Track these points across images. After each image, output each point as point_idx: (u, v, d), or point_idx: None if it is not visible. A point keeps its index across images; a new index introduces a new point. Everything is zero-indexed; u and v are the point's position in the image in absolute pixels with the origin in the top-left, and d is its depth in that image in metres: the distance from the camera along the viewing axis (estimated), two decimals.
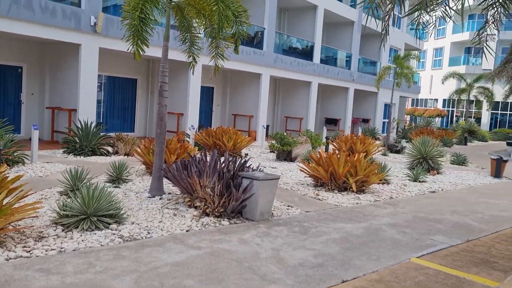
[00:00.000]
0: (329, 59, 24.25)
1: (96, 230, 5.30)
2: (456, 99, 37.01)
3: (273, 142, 13.66)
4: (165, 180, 7.55)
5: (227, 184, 6.38)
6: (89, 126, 11.55)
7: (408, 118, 42.19)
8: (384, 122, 28.13)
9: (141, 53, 6.90)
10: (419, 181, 10.90)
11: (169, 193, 7.50)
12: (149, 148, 9.05)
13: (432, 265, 4.98)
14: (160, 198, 7.14)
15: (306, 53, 22.00)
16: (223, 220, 6.17)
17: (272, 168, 11.49)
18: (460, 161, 15.15)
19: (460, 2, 6.74)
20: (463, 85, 36.02)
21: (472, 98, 36.13)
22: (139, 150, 9.41)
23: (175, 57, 11.45)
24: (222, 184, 6.32)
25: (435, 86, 42.81)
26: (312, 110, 22.32)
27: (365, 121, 27.46)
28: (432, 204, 8.42)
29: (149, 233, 5.42)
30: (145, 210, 6.43)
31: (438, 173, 12.58)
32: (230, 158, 6.94)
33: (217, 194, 6.25)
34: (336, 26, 25.12)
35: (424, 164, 12.69)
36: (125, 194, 7.33)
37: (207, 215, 6.29)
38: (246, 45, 17.29)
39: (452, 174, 12.78)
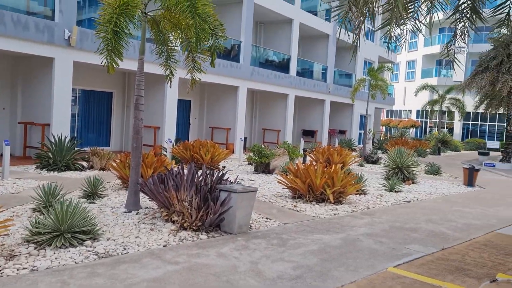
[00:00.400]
0: (305, 72, 24.58)
1: (70, 247, 5.17)
2: (429, 110, 37.94)
3: (251, 154, 13.67)
4: (141, 195, 7.44)
5: (205, 197, 6.34)
6: (63, 140, 11.32)
7: (383, 129, 42.97)
8: (360, 133, 28.54)
9: (116, 66, 6.85)
10: (395, 191, 11.07)
11: (146, 208, 7.40)
12: (125, 162, 8.92)
13: (409, 274, 5.04)
14: (137, 213, 7.03)
15: (283, 66, 22.24)
16: (201, 234, 6.11)
17: (250, 180, 11.48)
18: (434, 170, 15.48)
19: (430, 16, 6.98)
20: (435, 97, 37.05)
21: (444, 109, 37.12)
22: (115, 164, 9.27)
23: (151, 70, 11.40)
24: (199, 198, 6.27)
25: (408, 97, 43.79)
26: (289, 122, 22.49)
27: (342, 132, 27.82)
28: (407, 214, 8.55)
29: (125, 249, 5.32)
30: (121, 225, 6.32)
31: (413, 183, 12.82)
32: (208, 171, 6.91)
33: (194, 208, 6.20)
34: (312, 39, 25.52)
35: (400, 174, 12.91)
36: (101, 209, 7.19)
37: (185, 229, 6.23)
38: (223, 58, 17.37)
39: (427, 184, 13.04)
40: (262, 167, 13.05)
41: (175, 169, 7.06)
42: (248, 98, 21.45)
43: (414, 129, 41.36)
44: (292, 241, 6.11)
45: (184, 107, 19.33)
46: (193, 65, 7.36)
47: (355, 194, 10.04)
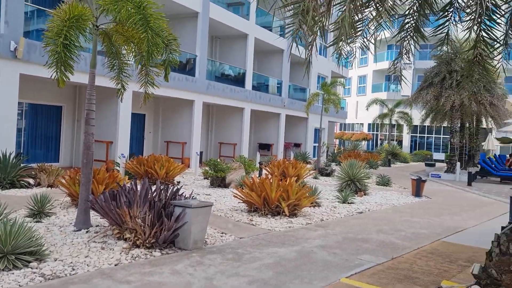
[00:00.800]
0: (261, 86, 24.89)
1: (14, 269, 4.91)
2: (380, 123, 39.38)
3: (207, 168, 13.60)
4: (92, 212, 7.20)
5: (159, 213, 6.23)
6: (7, 157, 10.78)
7: (337, 142, 44.05)
8: (315, 146, 29.12)
9: (66, 80, 6.65)
10: (348, 203, 11.35)
11: (97, 226, 7.16)
12: (75, 179, 8.61)
13: (360, 284, 5.17)
14: (87, 232, 6.79)
15: (239, 80, 22.42)
16: (155, 251, 5.98)
17: (206, 195, 11.40)
18: (384, 182, 16.03)
19: (379, 34, 7.30)
20: (385, 110, 38.56)
21: (393, 122, 38.67)
22: (63, 181, 8.93)
23: (104, 84, 11.13)
24: (153, 214, 6.16)
25: (360, 111, 45.28)
26: (245, 135, 22.60)
27: (297, 145, 28.27)
28: (360, 225, 8.79)
29: (74, 269, 5.11)
30: (70, 245, 6.07)
31: (365, 194, 13.21)
32: (162, 187, 6.81)
33: (148, 225, 6.08)
34: (267, 54, 25.92)
35: (352, 186, 13.27)
36: (48, 228, 6.89)
37: (138, 246, 6.08)
38: (178, 72, 17.27)
39: (378, 195, 13.47)
40: (218, 181, 13.00)
41: (128, 185, 6.90)
42: (204, 112, 21.39)
43: (366, 141, 42.71)
44: (248, 255, 6.11)
45: (138, 121, 18.98)
46: (146, 79, 7.28)
47: (310, 206, 10.20)
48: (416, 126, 38.71)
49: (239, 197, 9.56)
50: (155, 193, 6.59)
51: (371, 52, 6.75)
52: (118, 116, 15.23)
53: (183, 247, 6.21)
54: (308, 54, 5.73)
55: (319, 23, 5.58)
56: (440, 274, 5.74)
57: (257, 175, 13.64)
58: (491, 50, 6.59)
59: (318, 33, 5.67)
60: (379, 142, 43.95)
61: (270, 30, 24.54)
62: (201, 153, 19.95)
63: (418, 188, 13.50)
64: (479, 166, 20.90)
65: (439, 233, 8.33)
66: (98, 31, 7.21)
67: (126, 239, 6.22)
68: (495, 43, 6.56)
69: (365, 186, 13.60)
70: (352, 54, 7.07)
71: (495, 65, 7.14)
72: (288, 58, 25.78)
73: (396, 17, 6.69)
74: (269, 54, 26.01)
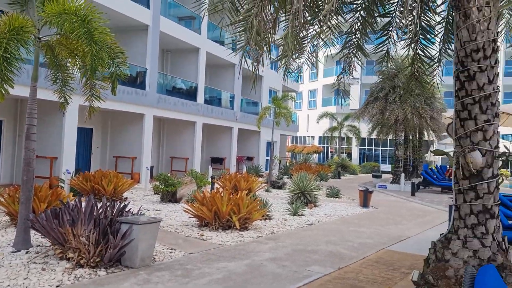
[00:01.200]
0: (213, 100, 24.89)
1: None
2: (330, 136, 40.45)
3: (157, 183, 13.35)
4: (34, 232, 6.86)
5: (104, 231, 6.05)
6: None
7: (289, 155, 44.71)
8: (267, 160, 29.40)
9: (6, 94, 6.36)
10: (299, 215, 11.52)
11: (38, 246, 6.82)
12: (14, 197, 8.18)
13: None
14: (27, 252, 6.45)
15: (190, 94, 22.32)
16: (100, 271, 5.78)
17: (156, 210, 11.18)
18: (334, 193, 16.43)
19: (325, 50, 7.57)
20: (334, 124, 39.67)
21: (343, 135, 39.84)
22: (2, 199, 8.45)
23: (47, 97, 10.68)
24: (98, 232, 5.97)
25: (311, 124, 46.34)
26: (197, 149, 22.44)
27: (250, 159, 28.41)
28: (309, 236, 8.94)
29: None
30: (8, 267, 5.75)
31: (315, 206, 13.47)
32: (109, 203, 6.62)
33: (92, 243, 5.87)
34: (219, 68, 26.04)
35: (303, 198, 13.49)
36: None
37: (82, 266, 5.85)
38: (128, 85, 16.94)
39: (328, 206, 13.78)
40: (169, 196, 12.80)
41: (72, 202, 6.65)
42: (155, 126, 21.06)
43: (317, 154, 43.66)
44: (197, 271, 6.04)
45: (85, 135, 18.36)
46: (91, 92, 7.10)
47: (261, 219, 10.25)
48: (364, 138, 40.06)
49: (189, 212, 9.45)
50: (100, 210, 6.40)
51: (316, 68, 6.98)
52: (63, 131, 14.67)
53: (130, 265, 6.04)
54: (255, 69, 5.85)
55: (266, 39, 5.72)
56: (384, 282, 5.95)
57: (209, 189, 13.55)
58: (426, 67, 7.01)
59: (265, 49, 5.81)
60: (329, 154, 45.07)
61: (222, 45, 24.70)
62: (152, 167, 19.57)
63: (365, 199, 13.95)
64: (422, 176, 21.92)
65: (384, 242, 8.64)
66: (40, 43, 6.97)
67: (69, 259, 5.97)
68: (430, 61, 7.00)
69: (315, 198, 13.87)
70: (298, 69, 7.26)
71: (431, 81, 7.61)
72: (239, 72, 26.06)
73: (340, 34, 6.97)
74: (222, 68, 26.13)
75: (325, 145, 45.61)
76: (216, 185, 15.52)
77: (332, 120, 40.33)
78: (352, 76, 7.86)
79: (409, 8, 6.97)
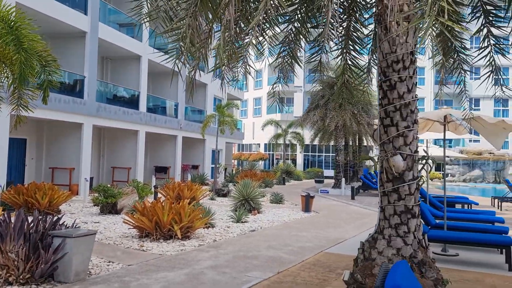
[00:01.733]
0: (156, 108, 24.50)
1: None
2: (275, 143, 41.10)
3: (97, 195, 12.94)
4: None
5: (35, 245, 5.80)
6: None
7: (235, 162, 44.86)
8: (212, 168, 29.32)
9: None
10: (242, 222, 11.62)
11: None
12: None
13: None
14: None
15: (132, 102, 21.85)
16: (30, 287, 5.53)
17: (95, 222, 10.83)
18: (278, 199, 16.72)
19: (247, 64, 7.75)
20: (279, 131, 40.38)
21: (287, 142, 40.63)
22: None
23: None
24: (28, 247, 5.71)
25: (257, 132, 46.81)
26: (140, 159, 21.96)
27: (195, 167, 28.21)
28: (251, 243, 9.05)
29: None
30: None
31: (259, 213, 13.64)
32: (40, 217, 6.35)
33: (22, 259, 5.61)
34: (163, 76, 25.68)
35: (247, 205, 13.62)
36: None
37: (11, 284, 5.57)
38: (64, 94, 16.33)
39: (271, 212, 14.00)
40: (109, 207, 12.44)
41: (1, 217, 6.32)
42: (95, 135, 20.40)
43: (263, 161, 44.14)
44: (135, 283, 5.95)
45: (18, 146, 17.41)
46: (18, 102, 6.81)
47: (204, 228, 10.25)
48: (308, 145, 41.08)
49: (129, 223, 9.26)
50: (32, 224, 6.13)
51: (253, 77, 7.15)
52: None
53: (64, 280, 5.83)
54: (192, 78, 5.90)
55: (201, 49, 5.80)
56: (320, 283, 6.16)
57: (153, 199, 13.32)
58: (356, 76, 7.40)
59: (201, 58, 5.88)
60: (275, 161, 45.72)
61: (166, 53, 24.41)
62: (91, 179, 18.90)
63: (307, 204, 14.32)
64: (361, 181, 22.84)
65: (323, 245, 8.93)
66: None
67: None
68: (360, 70, 7.40)
69: (259, 205, 14.05)
70: (235, 79, 7.40)
71: (362, 89, 8.03)
72: (184, 79, 25.90)
73: (274, 45, 7.18)
74: (165, 76, 25.77)
75: (271, 152, 46.23)
76: (159, 195, 15.30)
77: (277, 127, 41.03)
78: (292, 84, 8.14)
79: (340, 20, 7.35)
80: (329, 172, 39.06)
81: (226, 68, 6.13)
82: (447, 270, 6.81)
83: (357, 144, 28.37)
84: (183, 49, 5.26)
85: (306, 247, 8.75)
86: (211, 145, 28.67)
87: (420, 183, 5.14)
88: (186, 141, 27.10)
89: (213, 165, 29.14)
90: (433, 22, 3.40)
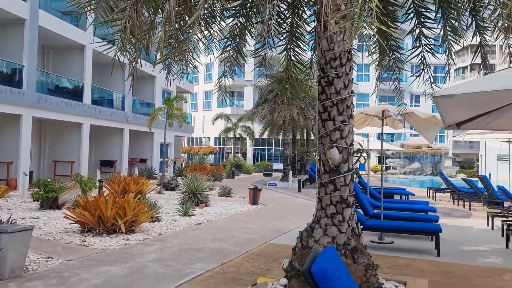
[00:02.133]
0: (102, 100, 23.77)
1: None
2: (225, 137, 41.14)
3: (36, 189, 12.42)
4: None
5: None
6: None
7: (185, 156, 44.46)
8: (161, 161, 28.92)
9: None
10: (189, 215, 11.62)
11: None
12: None
13: None
14: None
15: (76, 94, 21.06)
16: None
17: (34, 218, 10.42)
18: (226, 193, 16.83)
19: (210, 53, 7.78)
20: (229, 125, 40.46)
21: (237, 135, 40.80)
22: None
23: None
24: None
25: (207, 125, 46.62)
26: (84, 153, 21.25)
27: (143, 161, 27.70)
28: (197, 235, 9.10)
29: None
30: None
31: (206, 206, 13.68)
32: None
33: None
34: (108, 66, 24.87)
35: (194, 199, 13.62)
36: None
37: None
38: (0, 84, 15.46)
39: (219, 206, 14.09)
40: (50, 202, 11.99)
41: None
42: (35, 127, 19.52)
43: (213, 155, 44.08)
44: (75, 278, 5.83)
45: None
46: None
47: (149, 222, 10.15)
48: (258, 139, 41.51)
49: (70, 218, 9.00)
50: None
51: (198, 70, 7.17)
52: None
53: None
54: (132, 70, 5.84)
55: (143, 41, 5.75)
56: (262, 273, 6.33)
57: (97, 194, 12.98)
58: (299, 72, 7.62)
59: (143, 50, 5.83)
60: (225, 155, 45.80)
61: (111, 43, 23.69)
62: (31, 173, 18.09)
63: (254, 196, 14.53)
64: (308, 174, 23.45)
65: (268, 236, 9.15)
66: None
67: None
68: (303, 66, 7.62)
69: (207, 198, 14.08)
70: (180, 72, 7.39)
71: (306, 84, 8.27)
72: (129, 72, 25.25)
73: (220, 39, 7.23)
74: (110, 67, 25.04)
75: (221, 146, 46.24)
76: (104, 189, 14.92)
77: (227, 121, 41.08)
78: (242, 78, 8.23)
79: (284, 17, 7.52)
80: (279, 166, 39.69)
81: (172, 61, 6.10)
82: (382, 257, 7.23)
83: (305, 138, 29.03)
84: (124, 40, 5.20)
85: (252, 238, 8.92)
86: (159, 138, 28.25)
87: (355, 175, 5.41)
88: (133, 134, 26.52)
89: (162, 159, 28.81)
90: (363, 23, 3.60)
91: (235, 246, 8.12)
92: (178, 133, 31.54)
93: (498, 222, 10.44)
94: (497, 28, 5.46)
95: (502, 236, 9.18)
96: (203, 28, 6.84)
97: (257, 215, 12.34)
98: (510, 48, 5.84)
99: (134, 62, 5.66)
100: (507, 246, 8.40)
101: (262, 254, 7.53)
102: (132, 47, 5.67)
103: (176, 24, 6.14)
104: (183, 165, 33.74)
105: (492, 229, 10.43)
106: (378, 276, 4.92)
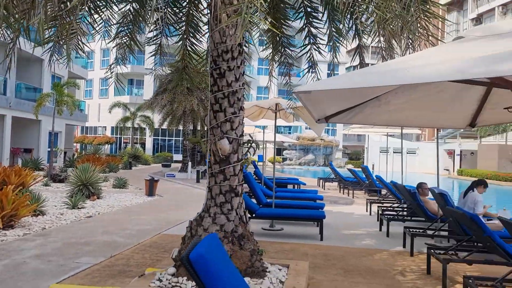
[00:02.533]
0: None
1: None
2: (123, 126, 39.48)
3: None
4: None
5: None
6: None
7: (78, 146, 41.79)
8: (49, 152, 26.85)
9: None
10: (78, 208, 11.01)
11: None
12: None
13: (72, 286, 5.16)
14: None
15: None
16: None
17: None
18: (121, 184, 16.23)
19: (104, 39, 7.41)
20: (128, 114, 38.90)
21: (136, 125, 39.40)
22: None
23: None
24: None
25: (103, 114, 44.25)
26: None
27: (28, 151, 25.45)
28: (86, 229, 8.68)
29: None
30: None
31: (98, 198, 13.07)
32: None
33: None
34: None
35: (85, 191, 12.92)
36: None
37: None
38: None
39: (112, 197, 13.55)
40: None
41: None
42: None
43: (110, 145, 42.07)
44: None
45: None
46: None
47: (32, 216, 9.43)
48: (158, 129, 40.53)
49: None
50: None
51: (86, 56, 6.81)
52: None
53: None
54: (10, 51, 5.37)
55: (22, 21, 5.30)
56: (153, 264, 6.28)
57: None
58: (196, 62, 7.63)
59: (22, 30, 5.38)
60: (123, 145, 43.98)
61: None
62: None
63: (151, 187, 14.24)
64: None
65: (162, 227, 9.06)
66: None
67: None
68: (199, 57, 7.65)
69: (99, 190, 13.45)
70: (67, 56, 6.96)
71: (201, 75, 8.31)
72: (15, 52, 22.94)
73: (111, 24, 6.95)
74: None
75: (118, 136, 44.30)
76: None
77: (126, 110, 39.43)
78: (142, 66, 7.96)
79: (180, 6, 7.46)
80: (179, 157, 39.20)
81: (58, 44, 5.70)
82: (271, 243, 7.62)
83: (205, 129, 29.06)
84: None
85: (145, 230, 8.76)
86: (47, 127, 26.16)
87: (246, 165, 5.61)
88: (17, 121, 24.21)
89: (50, 149, 26.73)
90: (252, 19, 3.74)
91: (127, 238, 7.91)
92: (70, 121, 29.52)
93: (375, 208, 11.58)
94: (373, 31, 6.02)
95: (378, 220, 10.22)
96: (93, 12, 6.52)
97: (153, 206, 12.13)
98: (382, 51, 6.51)
99: (12, 43, 5.18)
100: (380, 229, 9.38)
101: (154, 245, 7.45)
102: (8, 26, 5.19)
103: (62, 5, 5.76)
104: (75, 155, 31.68)
105: (370, 214, 11.55)
106: (263, 260, 5.19)
